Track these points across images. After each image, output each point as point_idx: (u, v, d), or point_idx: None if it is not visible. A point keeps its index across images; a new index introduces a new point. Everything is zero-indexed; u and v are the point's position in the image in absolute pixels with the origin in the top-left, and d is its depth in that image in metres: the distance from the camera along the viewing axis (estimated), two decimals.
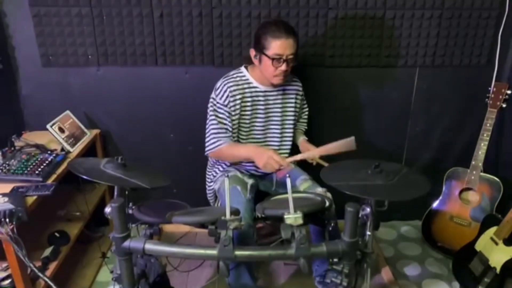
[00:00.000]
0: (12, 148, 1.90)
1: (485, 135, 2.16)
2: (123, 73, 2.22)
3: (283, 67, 1.78)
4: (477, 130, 2.20)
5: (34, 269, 1.48)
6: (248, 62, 1.94)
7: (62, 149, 1.98)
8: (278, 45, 1.74)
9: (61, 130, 2.04)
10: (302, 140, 2.09)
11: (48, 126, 1.99)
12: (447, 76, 2.34)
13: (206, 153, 1.94)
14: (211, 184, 2.08)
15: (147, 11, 2.09)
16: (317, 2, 2.12)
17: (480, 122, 2.19)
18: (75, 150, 2.03)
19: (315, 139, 2.17)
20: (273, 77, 1.82)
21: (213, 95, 1.91)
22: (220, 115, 1.87)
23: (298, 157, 1.83)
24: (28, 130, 2.21)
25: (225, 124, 1.88)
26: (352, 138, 1.70)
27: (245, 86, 1.90)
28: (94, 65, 2.19)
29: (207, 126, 1.92)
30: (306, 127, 2.19)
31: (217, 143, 1.87)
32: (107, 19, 2.10)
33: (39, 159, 1.82)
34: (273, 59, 1.76)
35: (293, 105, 2.00)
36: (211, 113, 1.90)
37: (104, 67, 2.21)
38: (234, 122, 1.89)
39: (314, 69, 2.26)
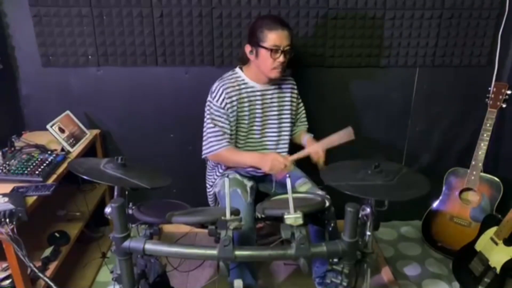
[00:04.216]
0: (12, 148, 1.90)
1: (485, 135, 2.16)
2: (123, 73, 2.22)
3: (281, 58, 1.79)
4: (477, 130, 2.20)
5: (34, 269, 1.48)
6: (242, 62, 1.94)
7: (62, 149, 1.98)
8: (275, 36, 1.76)
9: (61, 130, 2.04)
10: (308, 138, 2.03)
11: (48, 126, 1.99)
12: (447, 76, 2.34)
13: (203, 156, 1.93)
14: (211, 188, 2.07)
15: (147, 11, 2.09)
16: (317, 2, 2.12)
17: (480, 122, 2.19)
18: (75, 150, 2.03)
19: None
20: (271, 70, 1.83)
21: (209, 98, 1.90)
22: (217, 118, 1.87)
23: (301, 154, 1.85)
24: (28, 130, 2.21)
25: (222, 127, 1.87)
26: (349, 128, 1.76)
27: (242, 86, 1.90)
28: (94, 65, 2.19)
29: (204, 130, 1.91)
30: (307, 125, 2.16)
31: (215, 147, 1.87)
32: (107, 19, 2.10)
33: (39, 159, 1.82)
34: (271, 50, 1.77)
35: (289, 102, 2.00)
36: (207, 116, 1.90)
37: (104, 67, 2.21)
38: (232, 124, 1.89)
39: (314, 69, 2.26)
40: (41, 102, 2.24)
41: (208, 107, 1.90)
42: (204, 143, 1.91)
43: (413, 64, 2.29)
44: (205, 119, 1.92)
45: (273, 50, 1.77)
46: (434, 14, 2.18)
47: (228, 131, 1.88)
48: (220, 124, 1.87)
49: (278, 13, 2.11)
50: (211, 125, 1.88)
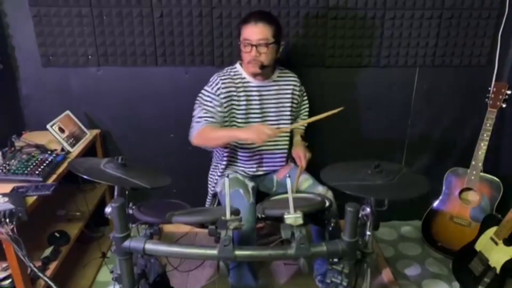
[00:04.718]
0: (12, 148, 1.90)
1: (485, 135, 2.16)
2: (123, 73, 2.22)
3: (253, 52, 1.80)
4: (477, 130, 2.20)
5: (34, 269, 1.48)
6: (241, 59, 1.95)
7: (62, 149, 1.98)
8: (246, 30, 1.80)
9: (61, 130, 2.04)
10: (298, 139, 2.04)
11: (48, 126, 1.99)
12: (447, 76, 2.34)
13: (190, 139, 1.90)
14: (212, 188, 2.06)
15: (147, 11, 2.09)
16: (317, 2, 2.12)
17: (480, 122, 2.19)
18: (75, 150, 2.03)
19: (315, 139, 2.17)
20: (247, 64, 1.86)
21: (205, 87, 1.91)
22: (205, 103, 1.87)
23: (287, 128, 1.94)
24: (28, 130, 2.21)
25: (208, 110, 1.85)
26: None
27: (239, 80, 1.91)
28: (94, 65, 2.19)
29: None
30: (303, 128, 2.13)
31: (197, 125, 1.84)
32: (107, 19, 2.10)
33: (39, 159, 1.82)
34: (241, 44, 1.81)
35: (289, 100, 1.99)
36: (196, 103, 1.90)
37: (104, 67, 2.21)
38: (223, 111, 1.86)
39: (314, 69, 2.26)
40: (41, 102, 2.24)
41: (199, 95, 1.91)
42: (190, 129, 1.89)
43: (413, 64, 2.29)
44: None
45: (244, 44, 1.81)
46: (434, 14, 2.18)
47: (216, 116, 1.85)
48: (207, 107, 1.85)
49: (278, 13, 2.11)
50: (198, 108, 1.87)
